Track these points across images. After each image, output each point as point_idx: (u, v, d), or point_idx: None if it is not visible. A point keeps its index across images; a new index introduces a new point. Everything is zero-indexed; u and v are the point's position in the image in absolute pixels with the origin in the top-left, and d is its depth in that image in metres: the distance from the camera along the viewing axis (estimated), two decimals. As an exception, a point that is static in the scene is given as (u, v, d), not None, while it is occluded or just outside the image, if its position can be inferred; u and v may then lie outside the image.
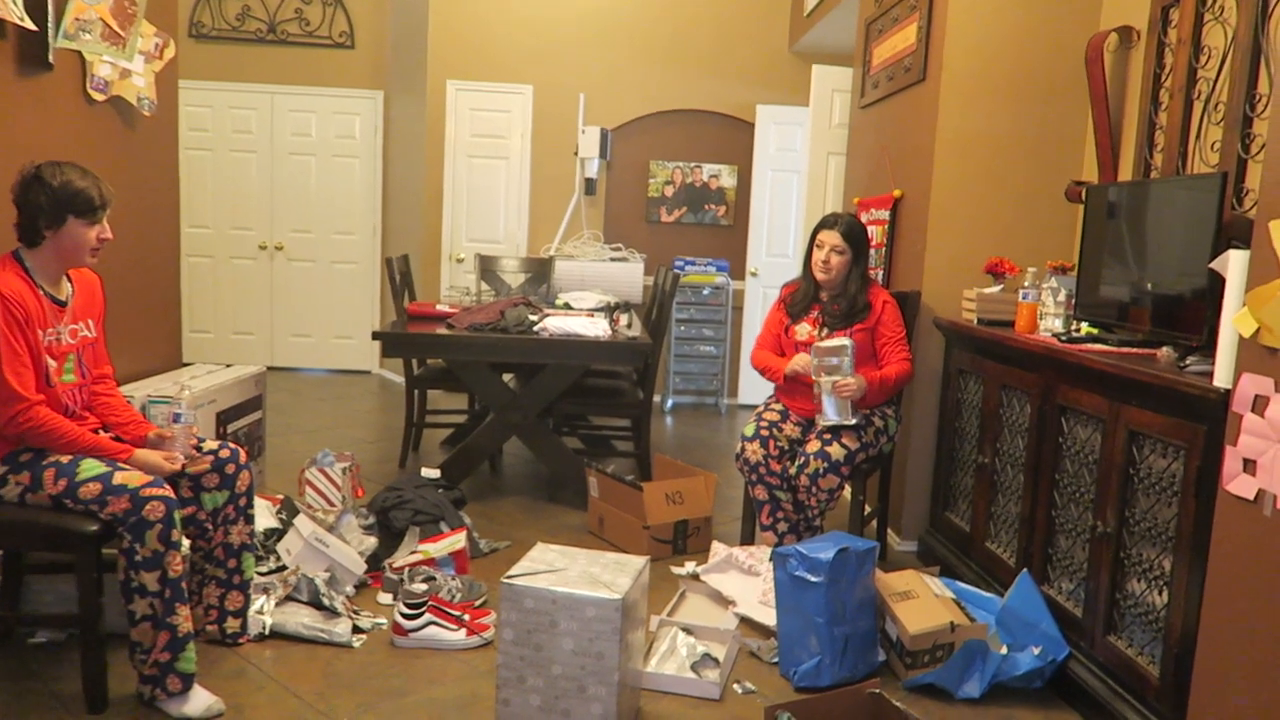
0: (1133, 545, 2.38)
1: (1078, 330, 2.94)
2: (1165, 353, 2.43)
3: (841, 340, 3.15)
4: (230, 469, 2.59)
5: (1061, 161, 3.58)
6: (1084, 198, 3.18)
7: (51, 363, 2.34)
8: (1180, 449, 2.18)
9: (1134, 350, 2.62)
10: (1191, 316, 2.47)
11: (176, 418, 2.51)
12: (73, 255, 2.36)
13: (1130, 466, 2.38)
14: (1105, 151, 3.31)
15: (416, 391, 4.78)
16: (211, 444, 2.61)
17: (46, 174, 2.28)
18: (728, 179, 6.75)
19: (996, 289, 3.38)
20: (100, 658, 2.31)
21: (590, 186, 6.52)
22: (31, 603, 2.67)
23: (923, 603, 2.72)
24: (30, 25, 2.79)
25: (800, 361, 3.28)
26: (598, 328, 4.03)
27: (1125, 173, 3.27)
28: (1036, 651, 2.59)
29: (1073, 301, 3.07)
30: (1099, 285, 2.98)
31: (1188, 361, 2.30)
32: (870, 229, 4.17)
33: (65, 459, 2.30)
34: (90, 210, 2.32)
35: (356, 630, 2.82)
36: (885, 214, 4.04)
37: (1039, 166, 3.58)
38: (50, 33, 2.92)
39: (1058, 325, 3.02)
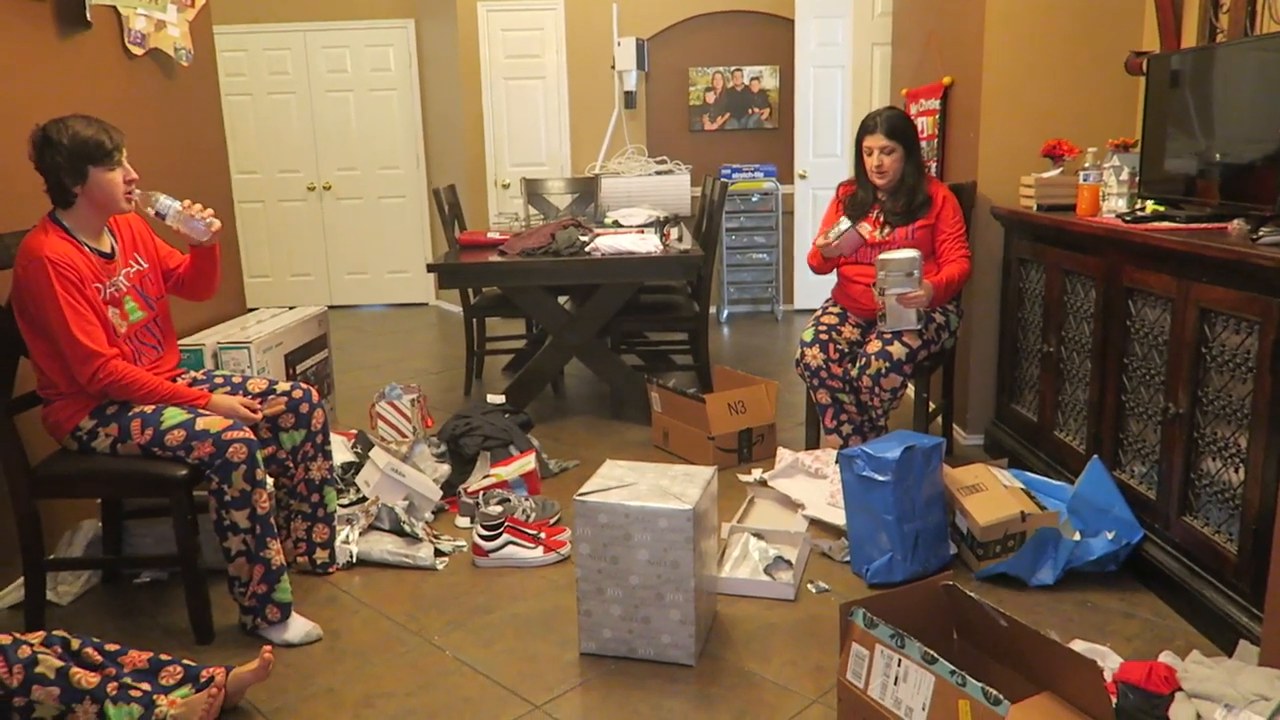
0: (1206, 425, 2.34)
1: (1142, 209, 2.85)
2: (1237, 225, 2.34)
3: (910, 253, 3.07)
4: (304, 408, 2.67)
5: (1119, 32, 3.41)
6: (1145, 69, 3.04)
7: (113, 310, 2.41)
8: (1254, 324, 2.13)
9: (1203, 225, 2.53)
10: (1263, 185, 2.37)
11: (161, 215, 2.46)
12: (109, 204, 2.37)
13: (1202, 345, 2.33)
14: (1166, 17, 3.15)
15: (475, 320, 4.84)
16: (284, 385, 2.69)
17: (53, 132, 2.27)
18: (769, 80, 6.58)
19: (1055, 172, 3.27)
20: (202, 593, 2.44)
21: (630, 100, 6.41)
22: (133, 546, 2.82)
23: (992, 494, 2.73)
24: (65, -16, 2.81)
25: (833, 237, 3.22)
26: (649, 243, 4.02)
27: (1189, 39, 3.11)
28: (1110, 536, 2.59)
29: (1136, 179, 2.97)
30: (1164, 160, 2.87)
31: (1261, 233, 2.22)
32: (920, 120, 4.05)
33: (149, 409, 2.40)
34: (106, 155, 2.31)
35: (438, 553, 2.92)
36: (936, 103, 3.92)
37: (1096, 39, 3.42)
38: (84, -10, 2.94)
39: (1121, 205, 2.93)
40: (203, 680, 2.00)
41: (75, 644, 1.92)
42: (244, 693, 2.11)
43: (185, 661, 2.04)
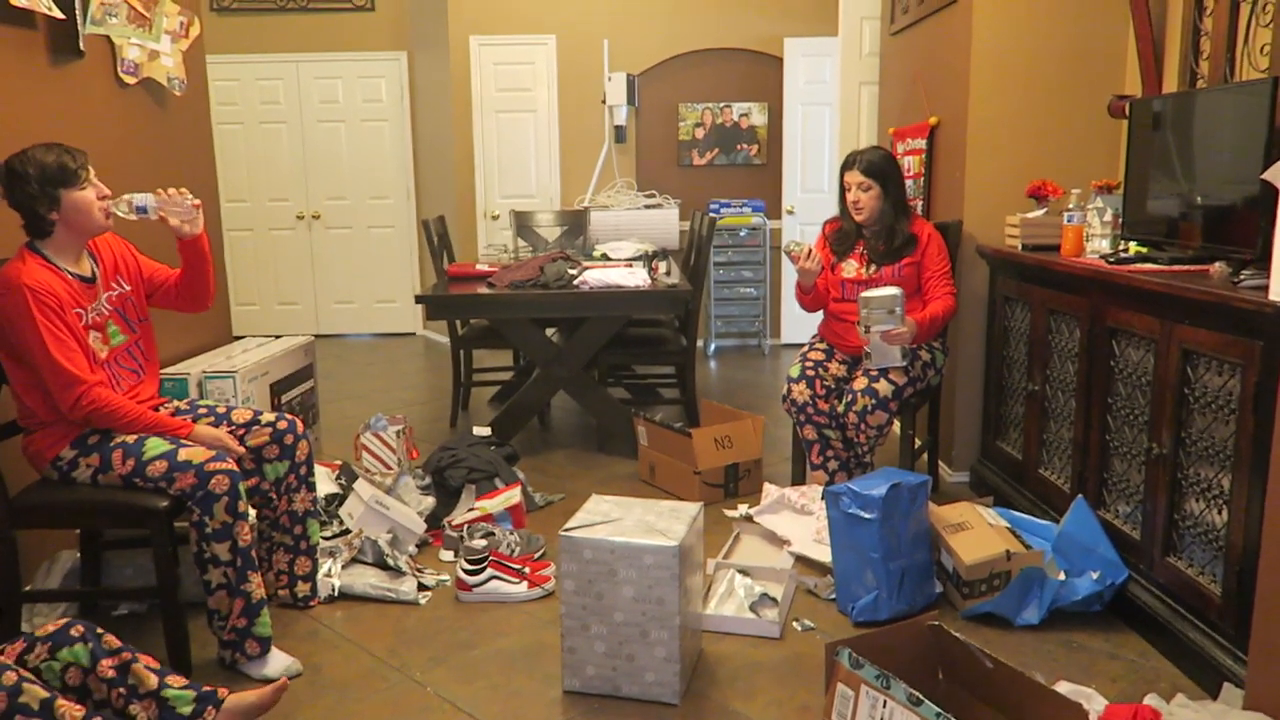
0: (1189, 465, 2.35)
1: (1126, 250, 2.88)
2: (1218, 268, 2.37)
3: (892, 290, 3.10)
4: (289, 439, 2.65)
5: (1103, 76, 3.47)
6: (1128, 112, 3.09)
7: (95, 335, 2.39)
8: (1237, 366, 2.15)
9: (1185, 268, 2.56)
10: (1244, 229, 2.41)
11: (144, 211, 2.42)
12: (87, 223, 2.35)
13: (1185, 386, 2.35)
14: (1148, 62, 3.21)
15: (462, 351, 4.83)
16: (268, 416, 2.67)
17: (17, 166, 2.27)
18: (758, 117, 6.65)
19: (1040, 213, 3.31)
20: (181, 626, 2.41)
21: (620, 134, 6.47)
22: (112, 577, 2.78)
23: (977, 533, 2.73)
24: (58, 14, 2.82)
25: (812, 265, 3.23)
26: (637, 277, 4.03)
27: (1170, 84, 3.16)
28: (1095, 576, 2.59)
29: (1120, 221, 3.00)
30: (1146, 202, 2.91)
31: (1242, 276, 2.25)
32: (907, 159, 4.10)
33: (131, 439, 2.37)
34: (73, 175, 2.30)
35: (422, 588, 2.89)
36: (922, 143, 3.96)
37: (1079, 83, 3.48)
38: (78, 20, 2.95)
39: (1105, 246, 2.96)
40: (205, 689, 1.97)
41: (100, 630, 1.93)
42: None
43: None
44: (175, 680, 1.95)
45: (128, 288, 2.54)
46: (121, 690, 1.89)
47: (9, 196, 2.29)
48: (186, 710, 1.92)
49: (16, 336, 2.26)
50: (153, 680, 1.91)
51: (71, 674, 1.88)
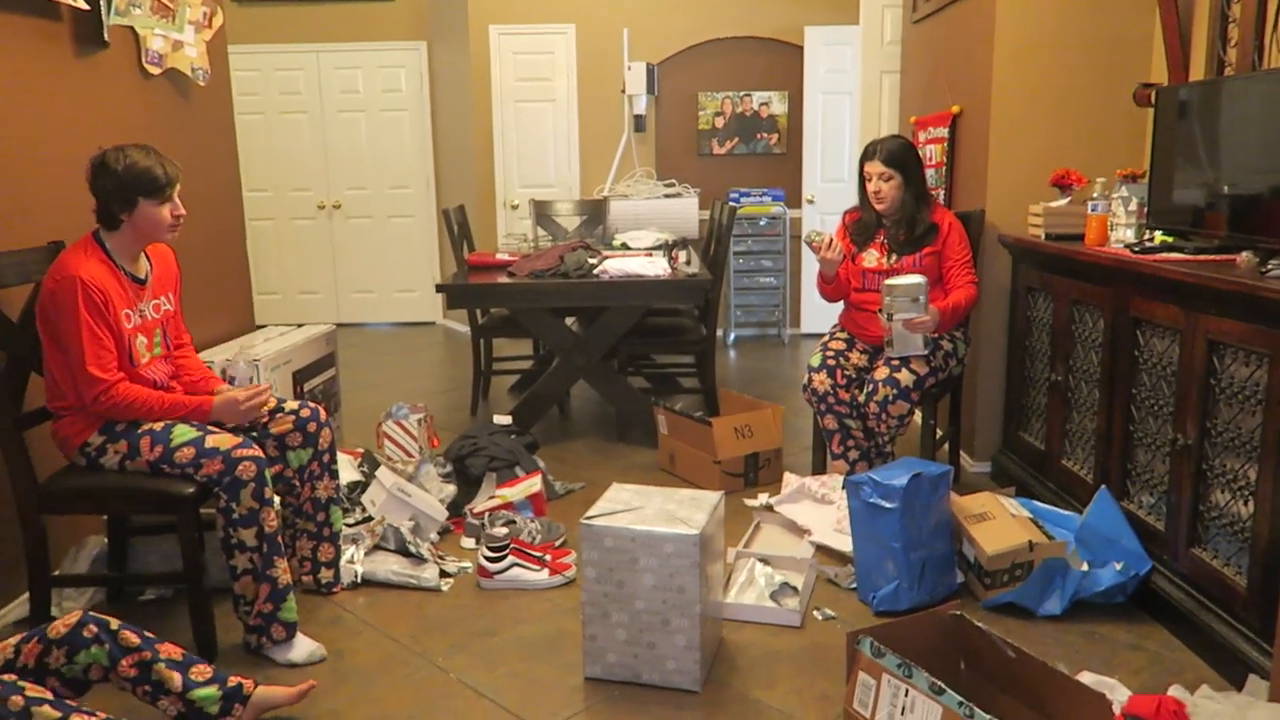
0: (1215, 456, 2.33)
1: (1150, 240, 2.86)
2: (1245, 258, 2.35)
3: (916, 278, 3.08)
4: (311, 427, 2.68)
5: (1128, 64, 3.43)
6: (1154, 100, 3.06)
7: (142, 339, 2.44)
8: (1263, 356, 2.13)
9: (1211, 257, 2.54)
10: (1272, 219, 2.38)
11: (232, 378, 2.61)
12: (150, 234, 2.43)
13: (1210, 377, 2.33)
14: (1174, 50, 3.17)
15: (482, 340, 4.85)
16: (292, 404, 2.70)
17: (110, 159, 2.33)
18: (778, 106, 6.62)
19: (1064, 202, 3.28)
20: (207, 611, 2.44)
21: (639, 123, 6.45)
22: (138, 563, 2.82)
23: (999, 523, 2.72)
24: (83, 4, 2.85)
25: (834, 254, 3.26)
26: (657, 266, 4.03)
27: (1196, 72, 3.12)
28: (1118, 567, 2.58)
29: (1145, 210, 2.97)
30: (1172, 191, 2.88)
31: (1269, 266, 2.23)
32: (929, 148, 4.08)
33: (158, 427, 2.41)
34: (158, 189, 2.36)
35: (443, 575, 2.92)
36: (944, 131, 3.94)
37: (1104, 71, 3.44)
38: (103, 10, 2.97)
39: (1129, 236, 2.94)
40: (230, 685, 1.99)
41: (114, 624, 1.93)
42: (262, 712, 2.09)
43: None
44: (199, 673, 1.95)
45: (172, 307, 2.62)
46: (146, 688, 1.91)
47: (91, 182, 2.36)
48: (214, 709, 1.94)
49: (59, 323, 2.32)
50: (177, 681, 1.91)
51: (94, 671, 1.90)
